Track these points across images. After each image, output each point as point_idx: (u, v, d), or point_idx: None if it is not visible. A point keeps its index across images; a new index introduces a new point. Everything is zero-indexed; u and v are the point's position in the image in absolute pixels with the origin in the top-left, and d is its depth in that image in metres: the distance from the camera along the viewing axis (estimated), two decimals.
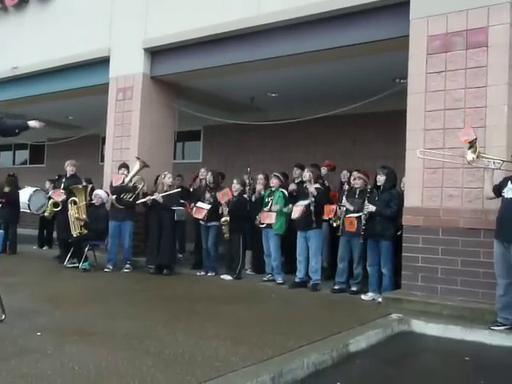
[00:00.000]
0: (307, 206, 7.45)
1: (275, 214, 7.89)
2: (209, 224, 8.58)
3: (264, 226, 8.04)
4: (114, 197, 8.99)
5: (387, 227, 6.90)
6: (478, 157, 5.53)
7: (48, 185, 11.55)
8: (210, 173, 8.90)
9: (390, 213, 6.88)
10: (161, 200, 8.55)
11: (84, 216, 8.79)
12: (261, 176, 8.54)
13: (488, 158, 5.61)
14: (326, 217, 7.48)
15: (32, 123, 5.54)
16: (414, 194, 6.57)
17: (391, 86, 7.89)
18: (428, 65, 6.55)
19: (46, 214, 10.01)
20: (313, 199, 7.39)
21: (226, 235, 8.29)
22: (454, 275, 6.16)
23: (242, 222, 8.34)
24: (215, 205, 8.38)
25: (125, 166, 9.27)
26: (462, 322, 5.56)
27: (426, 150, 6.29)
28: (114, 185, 9.07)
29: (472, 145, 5.55)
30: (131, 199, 8.90)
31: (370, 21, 7.37)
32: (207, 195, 8.58)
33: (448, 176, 6.31)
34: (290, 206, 7.87)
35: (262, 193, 8.44)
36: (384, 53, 7.75)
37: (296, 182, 8.60)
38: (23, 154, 19.03)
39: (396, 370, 4.43)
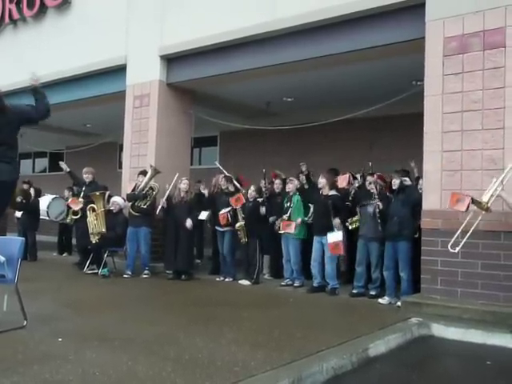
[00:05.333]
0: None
1: (294, 224, 7.83)
2: (223, 229, 8.62)
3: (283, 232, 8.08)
4: (130, 203, 9.10)
5: (405, 227, 6.84)
6: (489, 201, 5.47)
7: (67, 193, 11.65)
8: (223, 178, 8.95)
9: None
10: (165, 205, 8.78)
11: (103, 229, 8.86)
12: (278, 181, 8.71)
13: (496, 190, 5.49)
14: (339, 186, 7.73)
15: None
16: (432, 197, 6.52)
17: (408, 89, 7.85)
18: (445, 66, 6.51)
19: (67, 220, 10.16)
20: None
21: (243, 240, 8.34)
22: (474, 278, 6.09)
23: (258, 227, 8.35)
24: (232, 208, 8.41)
25: (142, 173, 9.35)
26: (483, 326, 5.49)
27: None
28: (127, 192, 9.22)
29: (475, 202, 5.50)
30: (145, 206, 8.98)
31: (386, 23, 7.35)
32: (225, 199, 8.60)
33: (467, 178, 6.26)
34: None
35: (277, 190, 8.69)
36: (400, 55, 7.73)
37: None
38: (43, 162, 19.29)
39: (416, 374, 4.38)
